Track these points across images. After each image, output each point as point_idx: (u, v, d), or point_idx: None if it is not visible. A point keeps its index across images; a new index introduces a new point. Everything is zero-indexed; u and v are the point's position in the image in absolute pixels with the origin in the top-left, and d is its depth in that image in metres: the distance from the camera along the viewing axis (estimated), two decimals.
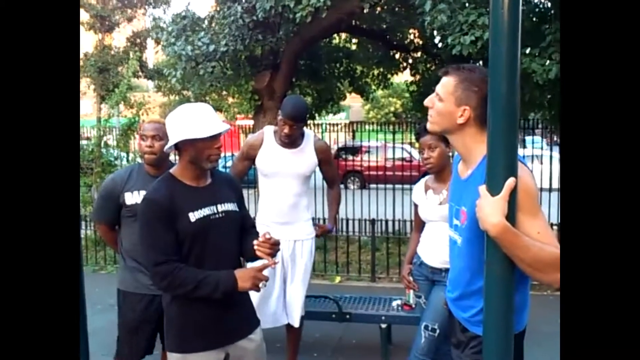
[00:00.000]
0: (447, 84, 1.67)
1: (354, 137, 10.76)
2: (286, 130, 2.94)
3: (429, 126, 1.74)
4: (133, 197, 2.60)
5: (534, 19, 5.09)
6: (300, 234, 3.14)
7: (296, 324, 3.17)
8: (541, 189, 6.46)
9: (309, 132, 3.20)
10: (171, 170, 2.07)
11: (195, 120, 1.93)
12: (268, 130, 3.16)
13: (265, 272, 2.02)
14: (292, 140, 3.02)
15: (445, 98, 1.66)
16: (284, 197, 3.06)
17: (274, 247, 2.01)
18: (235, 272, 1.95)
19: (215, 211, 2.02)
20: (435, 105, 1.69)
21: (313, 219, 3.54)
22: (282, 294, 3.15)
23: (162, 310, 2.63)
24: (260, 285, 1.96)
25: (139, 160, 7.02)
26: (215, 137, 1.96)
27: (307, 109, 3.11)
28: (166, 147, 2.05)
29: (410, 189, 3.01)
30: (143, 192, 2.59)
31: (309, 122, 9.57)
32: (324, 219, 6.82)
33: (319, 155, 3.14)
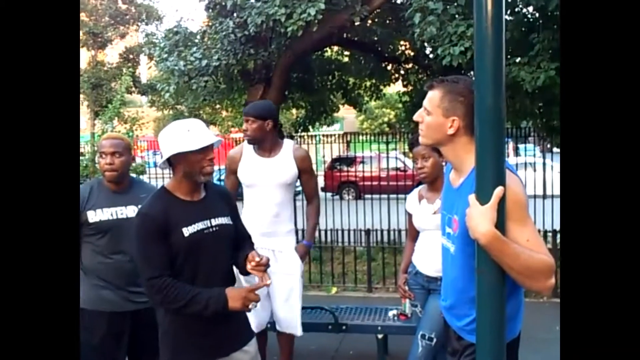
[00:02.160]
0: (433, 97, 1.71)
1: (348, 148, 10.80)
2: (244, 125, 3.04)
3: (421, 140, 1.79)
4: (97, 215, 2.56)
5: (522, 29, 5.16)
6: (283, 245, 3.13)
7: (299, 333, 3.21)
8: (535, 196, 6.50)
9: (288, 141, 3.22)
10: (165, 185, 2.09)
11: (185, 134, 1.96)
12: (246, 144, 3.22)
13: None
14: (255, 141, 3.06)
15: (433, 111, 1.70)
16: (265, 207, 3.05)
17: (264, 266, 2.04)
18: (227, 292, 1.94)
19: (209, 225, 2.03)
20: (424, 120, 1.73)
21: (298, 231, 3.55)
22: (267, 304, 3.13)
23: (127, 326, 2.64)
24: (251, 306, 1.96)
25: (133, 175, 7.03)
26: (206, 150, 1.98)
27: (265, 106, 3.15)
28: (159, 162, 2.07)
29: (405, 199, 3.03)
30: (107, 210, 2.60)
31: (303, 134, 9.63)
32: (318, 230, 6.85)
33: (298, 164, 3.11)
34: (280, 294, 3.13)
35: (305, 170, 3.17)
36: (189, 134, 1.96)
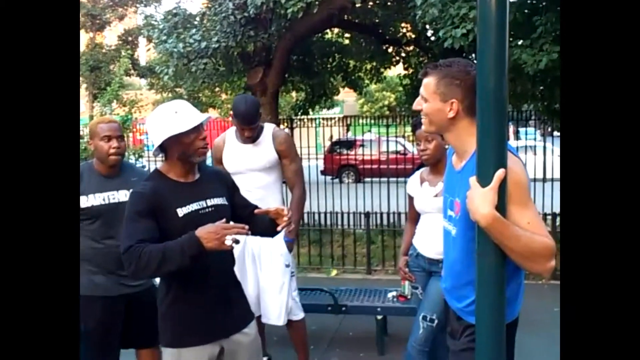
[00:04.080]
0: (428, 84, 1.72)
1: (348, 131, 10.78)
2: (246, 134, 3.02)
3: (424, 129, 1.80)
4: (88, 201, 2.54)
5: (525, 11, 5.11)
6: None
7: (273, 322, 3.13)
8: (535, 180, 6.52)
9: (268, 125, 3.18)
10: (158, 167, 2.09)
11: (174, 116, 1.95)
12: (230, 131, 3.21)
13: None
14: (254, 138, 3.08)
15: (430, 98, 1.71)
16: (250, 192, 2.91)
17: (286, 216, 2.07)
18: (197, 233, 1.83)
19: (205, 206, 2.02)
20: (423, 107, 1.73)
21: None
22: (256, 290, 3.12)
23: (121, 312, 2.62)
24: (229, 242, 1.81)
25: (132, 158, 7.02)
26: (197, 129, 1.97)
27: (258, 106, 3.09)
28: (153, 149, 2.06)
29: (405, 182, 3.03)
30: (99, 195, 2.57)
31: (303, 117, 9.60)
32: (318, 213, 6.88)
33: (277, 147, 3.07)
34: (265, 283, 3.12)
35: (284, 153, 3.10)
36: (177, 116, 1.95)
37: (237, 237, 1.83)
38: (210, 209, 2.03)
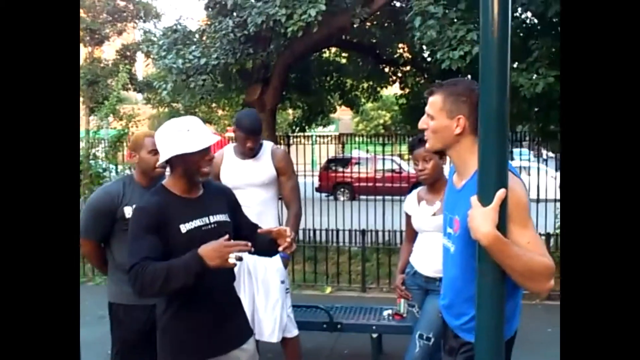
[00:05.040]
0: (434, 102, 1.75)
1: (343, 149, 10.83)
2: (249, 144, 3.03)
3: (428, 146, 1.82)
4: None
5: (521, 34, 5.21)
6: None
7: (266, 339, 3.09)
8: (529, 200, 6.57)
9: (267, 142, 3.22)
10: (163, 182, 2.09)
11: (185, 134, 1.96)
12: (228, 147, 3.23)
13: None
14: (255, 152, 3.10)
15: (437, 115, 1.74)
16: (248, 208, 2.87)
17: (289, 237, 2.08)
18: (200, 251, 1.83)
19: (207, 222, 2.03)
20: (429, 125, 1.76)
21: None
22: (252, 308, 3.09)
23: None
24: (232, 260, 1.81)
25: (128, 172, 7.01)
26: (206, 150, 1.99)
27: (260, 121, 3.17)
28: (158, 163, 2.08)
29: (400, 200, 3.05)
30: None
31: (299, 134, 9.64)
32: (313, 230, 6.88)
33: (275, 163, 3.10)
34: (260, 299, 3.11)
35: (282, 170, 3.13)
36: (189, 134, 1.96)
37: (240, 254, 1.84)
38: (213, 225, 2.03)
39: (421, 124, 1.79)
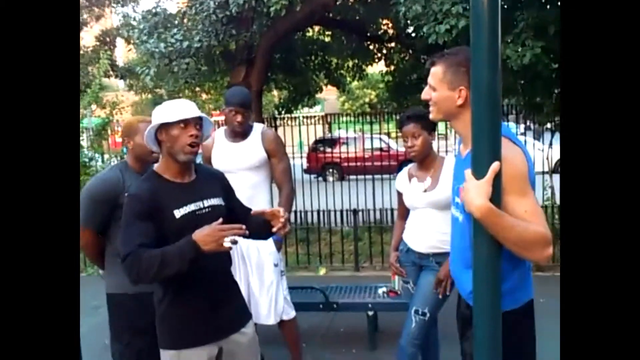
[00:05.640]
0: (436, 72, 1.75)
1: (330, 130, 10.79)
2: (239, 118, 3.01)
3: (431, 116, 1.81)
4: None
5: (506, 6, 5.17)
6: None
7: (263, 322, 3.10)
8: None
9: (257, 124, 3.21)
10: (154, 167, 2.07)
11: (167, 109, 1.98)
12: (219, 131, 3.21)
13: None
14: (244, 130, 3.07)
15: (438, 86, 1.74)
16: (239, 192, 2.82)
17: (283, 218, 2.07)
18: (194, 237, 1.82)
19: (201, 206, 2.01)
20: (431, 96, 1.75)
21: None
22: (247, 291, 3.09)
23: None
24: (227, 244, 1.80)
25: (114, 160, 6.91)
26: (186, 124, 1.96)
27: (249, 95, 3.17)
28: (145, 139, 2.05)
29: (390, 179, 3.04)
30: None
31: (285, 116, 9.58)
32: (304, 212, 6.87)
33: (265, 145, 3.09)
34: (254, 283, 3.11)
35: (273, 152, 3.12)
36: (172, 109, 1.97)
37: (235, 237, 1.82)
38: (207, 210, 2.02)
39: (424, 95, 1.79)
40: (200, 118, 2.01)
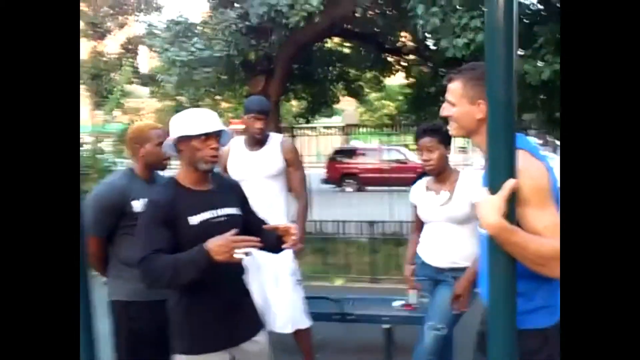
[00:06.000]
0: (454, 88, 1.74)
1: (351, 140, 10.82)
2: (258, 125, 3.05)
3: (452, 133, 1.81)
4: (140, 205, 2.48)
5: (526, 21, 5.15)
6: None
7: (279, 330, 3.10)
8: None
9: (274, 134, 3.24)
10: (174, 175, 2.10)
11: (190, 120, 1.99)
12: (235, 140, 3.23)
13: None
14: (263, 137, 3.10)
15: (458, 102, 1.73)
16: (257, 200, 2.86)
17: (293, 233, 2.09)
18: (207, 246, 1.83)
19: (217, 215, 2.03)
20: (452, 112, 1.75)
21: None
22: (263, 300, 3.08)
23: None
24: (239, 255, 1.82)
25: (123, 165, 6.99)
26: (208, 137, 1.98)
27: (268, 103, 3.25)
28: (164, 148, 2.08)
29: (407, 191, 3.04)
30: (144, 199, 2.57)
31: (303, 126, 9.64)
32: (321, 222, 6.87)
33: (284, 154, 3.12)
34: (270, 291, 3.11)
35: (290, 161, 3.15)
36: (194, 120, 1.99)
37: (248, 249, 1.85)
38: (223, 218, 2.04)
39: (443, 112, 1.78)
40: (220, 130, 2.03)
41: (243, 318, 2.11)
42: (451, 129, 1.79)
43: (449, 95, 1.76)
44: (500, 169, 1.45)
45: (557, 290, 1.74)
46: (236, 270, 2.11)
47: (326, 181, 11.42)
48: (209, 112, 2.06)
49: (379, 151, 9.93)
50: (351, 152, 11.72)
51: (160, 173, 2.69)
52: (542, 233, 1.49)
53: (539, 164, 1.60)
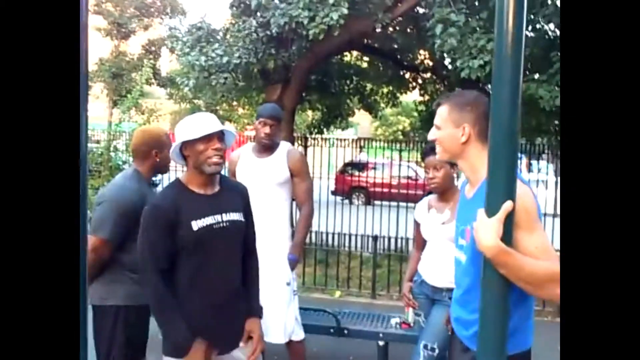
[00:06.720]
0: (441, 112, 1.80)
1: (361, 153, 10.83)
2: (267, 130, 3.07)
3: (438, 156, 1.86)
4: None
5: (543, 46, 5.15)
6: (277, 250, 3.08)
7: (273, 340, 3.08)
8: (545, 214, 6.49)
9: (284, 142, 3.25)
10: (180, 177, 2.12)
11: (190, 125, 2.02)
12: (246, 146, 3.28)
13: None
14: (271, 143, 3.12)
15: (443, 125, 1.79)
16: (262, 207, 2.94)
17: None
18: (194, 343, 1.97)
19: (220, 220, 2.03)
20: (437, 135, 1.80)
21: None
22: None
23: None
24: None
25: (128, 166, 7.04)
26: (209, 138, 2.00)
27: (280, 110, 3.27)
28: (171, 154, 2.11)
29: (414, 208, 3.04)
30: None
31: (317, 136, 9.67)
32: (326, 233, 6.87)
33: (290, 163, 3.12)
34: (265, 300, 3.12)
35: (296, 171, 3.14)
36: (195, 124, 2.02)
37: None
38: (225, 224, 2.04)
39: (430, 135, 1.85)
40: (222, 131, 2.06)
41: (236, 325, 2.11)
42: (437, 152, 1.84)
43: (436, 119, 1.82)
44: (499, 192, 1.45)
45: (531, 314, 1.75)
46: (232, 277, 2.12)
47: (335, 193, 11.44)
48: (209, 115, 2.08)
49: (390, 166, 9.92)
50: (361, 166, 11.73)
51: (160, 176, 2.75)
52: (534, 254, 1.50)
53: (526, 188, 1.62)
